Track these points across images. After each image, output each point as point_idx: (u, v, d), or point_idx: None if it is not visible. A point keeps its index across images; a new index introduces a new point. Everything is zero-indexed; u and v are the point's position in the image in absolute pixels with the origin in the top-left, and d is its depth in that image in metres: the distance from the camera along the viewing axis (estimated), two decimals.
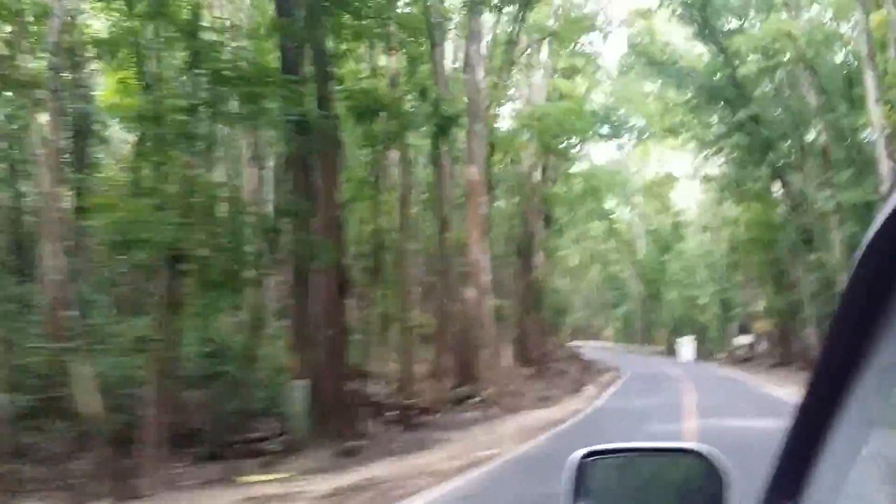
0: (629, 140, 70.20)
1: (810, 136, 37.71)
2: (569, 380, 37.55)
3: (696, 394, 25.78)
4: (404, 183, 27.28)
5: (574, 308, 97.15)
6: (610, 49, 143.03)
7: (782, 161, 39.09)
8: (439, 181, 25.85)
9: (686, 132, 59.50)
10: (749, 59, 36.30)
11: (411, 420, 21.50)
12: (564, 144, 44.16)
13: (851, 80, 34.34)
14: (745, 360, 53.04)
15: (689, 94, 43.04)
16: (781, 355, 49.23)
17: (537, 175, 39.09)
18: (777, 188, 44.72)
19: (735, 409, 20.65)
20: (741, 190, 48.02)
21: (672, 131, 63.33)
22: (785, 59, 35.16)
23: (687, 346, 69.59)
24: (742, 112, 37.09)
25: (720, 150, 45.43)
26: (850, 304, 1.08)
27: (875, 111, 28.36)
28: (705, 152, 61.73)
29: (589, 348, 77.66)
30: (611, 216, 79.87)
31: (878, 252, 0.98)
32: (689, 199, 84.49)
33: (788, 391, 24.93)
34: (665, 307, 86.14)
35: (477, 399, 24.93)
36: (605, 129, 54.91)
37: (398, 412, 21.85)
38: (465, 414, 23.54)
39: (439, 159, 25.29)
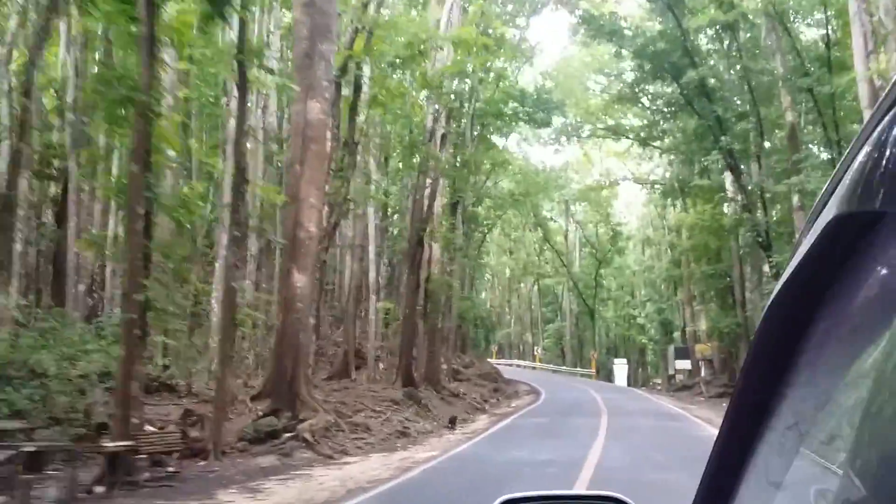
0: (566, 139, 62.79)
1: (773, 112, 30.44)
2: (458, 407, 29.71)
3: (612, 439, 17.93)
4: None
5: (504, 323, 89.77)
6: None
7: (736, 146, 31.75)
8: (241, 112, 17.59)
9: (628, 131, 52.94)
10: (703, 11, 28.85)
11: (164, 468, 13.43)
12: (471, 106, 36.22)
13: (829, 41, 27.12)
14: (684, 387, 45.61)
15: (635, 63, 35.57)
16: (725, 384, 41.95)
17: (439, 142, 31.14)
18: (729, 184, 37.56)
19: (661, 468, 12.86)
20: (687, 189, 40.79)
21: (614, 131, 56.64)
22: (748, 11, 27.81)
23: (621, 370, 62.13)
24: (692, 72, 29.60)
25: (664, 136, 38.04)
26: (759, 356, 1.11)
27: (864, 69, 21.12)
28: (648, 149, 55.31)
29: (513, 368, 69.97)
30: (545, 222, 72.61)
31: (788, 299, 1.00)
32: (631, 212, 77.96)
33: None
34: (600, 326, 79.00)
35: (289, 435, 16.87)
36: (536, 114, 47.25)
37: (159, 454, 13.74)
38: (258, 459, 15.47)
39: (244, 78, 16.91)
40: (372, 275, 32.89)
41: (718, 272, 39.77)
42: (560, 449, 15.98)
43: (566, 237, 77.16)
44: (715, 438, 1.21)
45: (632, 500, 2.13)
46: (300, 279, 19.01)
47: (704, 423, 23.04)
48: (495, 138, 55.24)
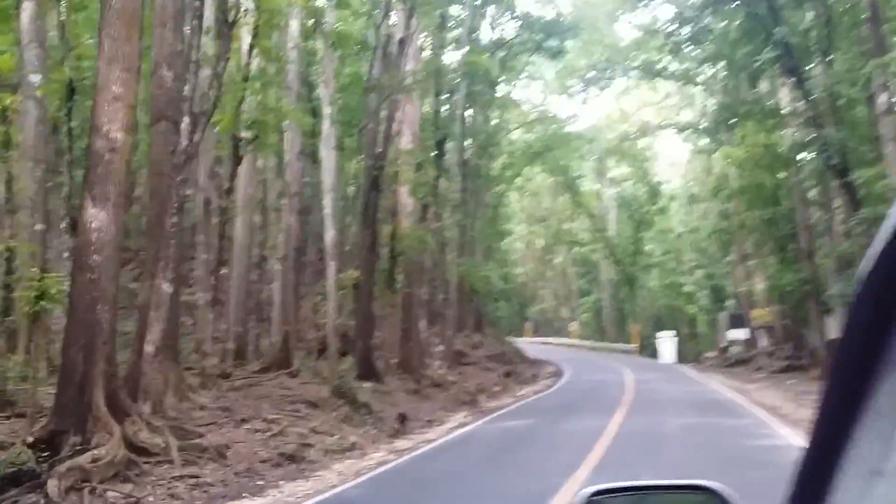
0: (596, 87, 54.69)
1: None
2: (435, 401, 22.54)
3: (605, 470, 10.18)
4: None
5: (538, 298, 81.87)
6: None
7: (794, 39, 23.65)
8: None
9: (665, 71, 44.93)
10: None
11: None
12: None
13: None
14: (740, 362, 37.52)
15: None
16: (790, 356, 33.88)
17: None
18: (786, 102, 29.37)
19: None
20: (735, 117, 32.63)
21: (650, 71, 48.49)
22: None
23: (667, 345, 53.79)
24: None
25: (702, 40, 29.96)
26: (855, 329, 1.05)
27: None
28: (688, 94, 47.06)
29: (548, 346, 62.19)
30: (574, 183, 64.46)
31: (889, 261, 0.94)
32: (675, 171, 69.47)
33: None
34: (643, 296, 70.70)
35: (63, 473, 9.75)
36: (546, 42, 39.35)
37: None
38: None
39: None
40: (330, 234, 25.45)
41: (777, 217, 31.52)
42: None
43: (600, 199, 68.91)
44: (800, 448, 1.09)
45: (725, 487, 2.02)
46: (97, 217, 11.66)
47: (773, 419, 15.31)
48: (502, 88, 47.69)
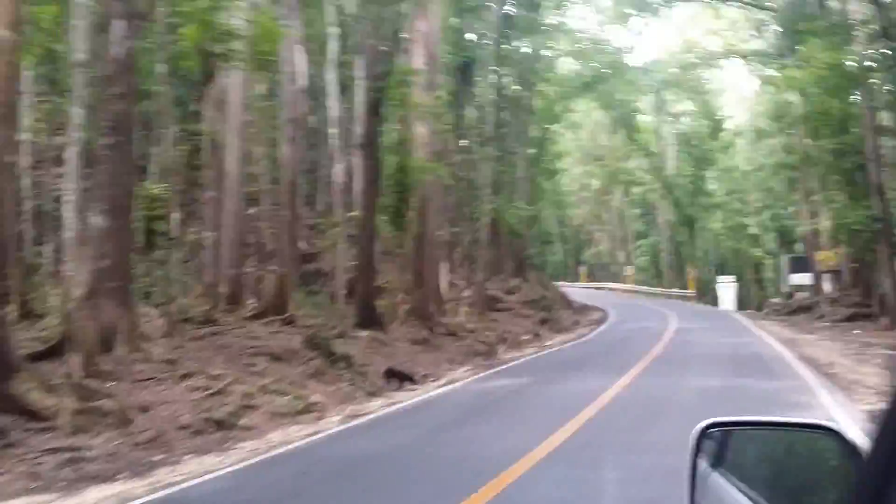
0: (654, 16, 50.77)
1: None
2: (447, 351, 20.42)
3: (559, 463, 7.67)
4: None
5: (595, 242, 78.72)
6: None
7: None
8: None
9: None
10: None
11: None
12: None
13: None
14: (801, 309, 34.31)
15: None
16: (857, 302, 30.65)
17: None
18: (857, 15, 25.77)
19: None
20: (800, 35, 29.04)
21: None
22: None
23: (727, 291, 50.38)
24: None
25: None
26: None
27: None
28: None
29: (600, 291, 59.38)
30: (630, 117, 60.69)
31: None
32: (742, 106, 64.93)
33: None
34: (705, 239, 66.95)
35: None
36: None
37: None
38: None
39: None
40: (337, 168, 23.26)
41: (844, 147, 28.04)
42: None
43: (658, 135, 65.01)
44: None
45: (845, 430, 1.97)
46: None
47: (818, 381, 12.58)
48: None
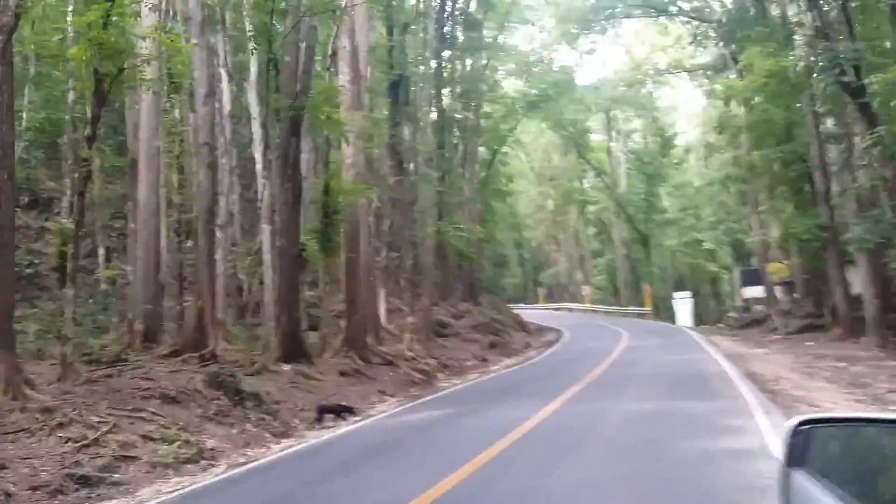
0: (598, 27, 50.19)
1: None
2: (380, 382, 19.20)
3: None
4: None
5: (552, 262, 77.88)
6: None
7: None
8: None
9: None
10: None
11: None
12: None
13: None
14: (755, 322, 33.64)
15: None
16: (810, 313, 30.03)
17: None
18: (793, 13, 25.27)
19: None
20: (741, 39, 28.59)
21: (649, 6, 44.56)
22: None
23: (683, 306, 49.64)
24: None
25: None
26: None
27: None
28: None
29: (558, 312, 58.51)
30: (580, 136, 60.21)
31: None
32: (691, 122, 64.78)
33: None
34: (660, 255, 66.44)
35: None
36: None
37: None
38: None
39: None
40: (265, 193, 21.97)
41: (789, 155, 27.47)
42: None
43: (609, 154, 64.57)
44: None
45: None
46: None
47: (760, 401, 11.58)
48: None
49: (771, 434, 8.68)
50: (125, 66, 14.97)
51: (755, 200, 34.96)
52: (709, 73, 45.30)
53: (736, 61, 31.17)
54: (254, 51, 20.98)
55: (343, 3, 20.84)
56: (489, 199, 50.22)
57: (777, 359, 20.29)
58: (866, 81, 17.39)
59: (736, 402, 11.70)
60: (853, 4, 19.51)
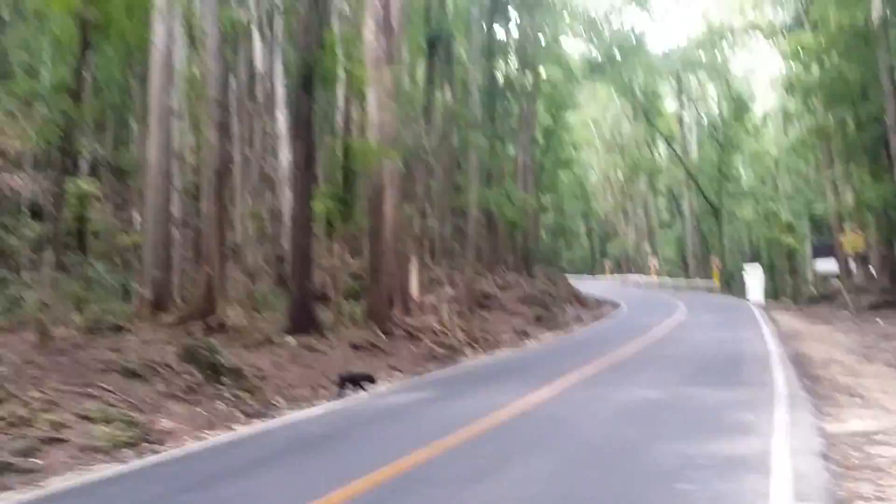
0: None
1: None
2: (398, 356, 17.87)
3: None
4: None
5: (620, 233, 75.40)
6: None
7: None
8: None
9: None
10: None
11: None
12: None
13: None
14: (824, 298, 31.18)
15: None
16: (888, 289, 27.58)
17: None
18: None
19: None
20: None
21: None
22: None
23: (755, 280, 46.82)
24: None
25: None
26: None
27: None
28: None
29: (624, 285, 56.47)
30: (650, 104, 57.57)
31: None
32: (772, 89, 61.25)
33: None
34: (736, 227, 63.53)
35: None
36: None
37: None
38: None
39: None
40: (284, 155, 20.84)
41: (863, 116, 24.97)
42: None
43: (681, 122, 61.70)
44: None
45: None
46: None
47: (792, 391, 9.82)
48: None
49: (783, 434, 7.02)
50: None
51: (829, 167, 32.32)
52: (785, 32, 42.35)
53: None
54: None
55: None
56: (551, 168, 48.37)
57: (838, 338, 18.25)
58: None
59: (762, 390, 9.95)
60: None
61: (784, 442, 6.79)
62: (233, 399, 12.23)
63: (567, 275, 53.14)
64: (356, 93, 20.23)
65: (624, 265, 71.02)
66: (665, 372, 12.40)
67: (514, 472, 6.08)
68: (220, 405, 11.92)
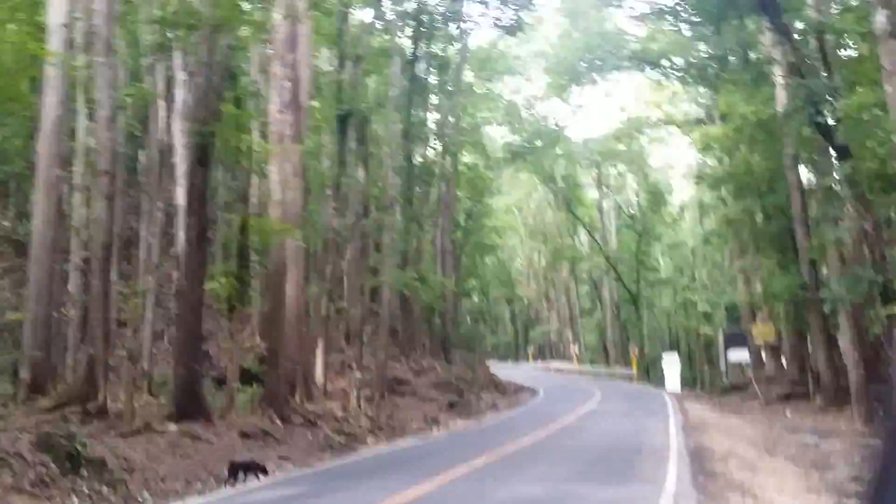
0: (586, 80, 48.31)
1: None
2: (296, 443, 16.94)
3: None
4: None
5: (542, 320, 75.54)
6: None
7: None
8: None
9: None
10: None
11: None
12: None
13: None
14: (735, 388, 31.19)
15: None
16: (795, 380, 27.68)
17: None
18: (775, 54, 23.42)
19: None
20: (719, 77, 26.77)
21: (638, 59, 42.74)
22: None
23: (672, 370, 46.93)
24: None
25: None
26: None
27: None
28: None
29: (545, 371, 56.12)
30: (568, 191, 58.38)
31: None
32: (687, 182, 62.75)
33: None
34: (654, 316, 64.09)
35: None
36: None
37: None
38: None
39: None
40: (181, 235, 19.91)
41: (769, 209, 25.37)
42: None
43: (600, 210, 62.65)
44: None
45: None
46: None
47: (681, 490, 9.29)
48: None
49: None
50: None
51: (740, 257, 32.77)
52: (701, 125, 43.56)
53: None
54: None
55: (273, 19, 19.10)
56: (472, 252, 48.29)
57: (745, 431, 17.96)
58: (834, 118, 15.36)
59: (651, 487, 9.41)
60: (828, 37, 17.52)
61: None
62: (90, 494, 11.17)
63: (491, 360, 52.66)
64: (258, 169, 19.63)
65: (547, 351, 70.90)
66: (558, 466, 11.79)
67: None
68: (75, 501, 10.86)
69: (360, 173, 26.89)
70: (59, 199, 18.59)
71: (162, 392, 18.75)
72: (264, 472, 12.77)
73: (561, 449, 14.22)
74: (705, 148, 28.93)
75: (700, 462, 12.02)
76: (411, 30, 33.05)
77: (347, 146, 24.76)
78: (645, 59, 42.41)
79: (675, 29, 34.26)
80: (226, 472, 12.50)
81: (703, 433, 16.67)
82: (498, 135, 50.53)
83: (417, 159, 35.48)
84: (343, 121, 24.18)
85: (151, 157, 22.46)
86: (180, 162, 20.65)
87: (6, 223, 25.84)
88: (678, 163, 62.71)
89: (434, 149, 38.57)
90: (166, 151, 21.62)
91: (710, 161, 32.69)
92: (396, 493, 9.17)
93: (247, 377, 20.81)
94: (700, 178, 31.15)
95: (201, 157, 17.23)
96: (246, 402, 19.17)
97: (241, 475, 12.45)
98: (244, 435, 16.88)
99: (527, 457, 13.05)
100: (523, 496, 8.91)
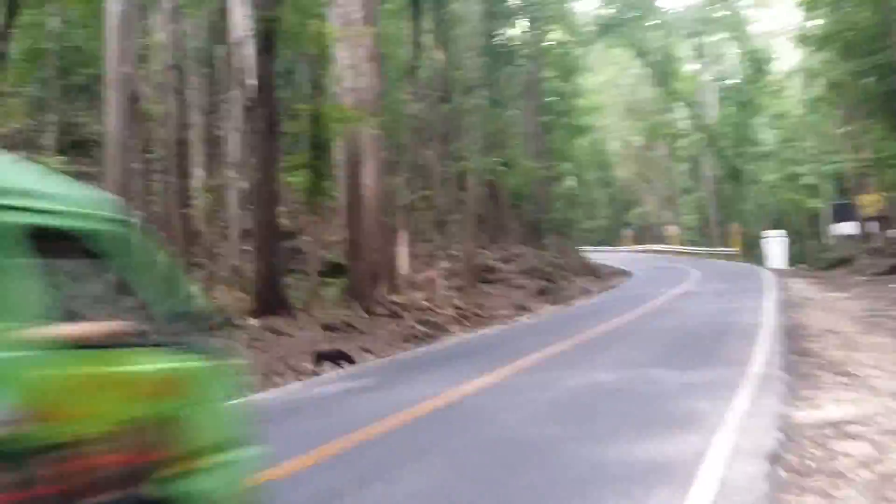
0: None
1: None
2: (382, 334, 16.81)
3: None
4: None
5: (640, 202, 73.54)
6: None
7: None
8: None
9: None
10: None
11: None
12: None
13: None
14: (841, 262, 29.65)
15: None
16: None
17: None
18: None
19: None
20: None
21: None
22: None
23: (775, 247, 45.30)
24: None
25: None
26: None
27: None
28: None
29: (644, 254, 54.89)
30: (664, 63, 55.68)
31: None
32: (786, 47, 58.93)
33: None
34: (753, 192, 61.53)
35: None
36: None
37: None
38: None
39: None
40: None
41: (879, 68, 23.34)
42: None
43: (699, 82, 59.72)
44: None
45: None
46: None
47: (768, 372, 8.63)
48: None
49: (732, 429, 5.85)
50: None
51: (846, 124, 30.65)
52: None
53: None
54: None
55: None
56: (564, 135, 46.79)
57: (847, 305, 16.94)
58: None
59: (735, 370, 8.76)
60: None
61: (730, 439, 5.62)
62: None
63: (586, 245, 51.78)
64: (327, 56, 19.03)
65: (646, 233, 69.27)
66: (638, 349, 11.23)
67: (378, 490, 4.95)
68: None
69: (442, 56, 25.92)
70: (131, 96, 18.46)
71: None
72: (350, 360, 12.74)
73: (645, 332, 13.65)
74: (811, 4, 26.61)
75: (794, 341, 11.24)
76: None
77: (423, 28, 23.80)
78: None
79: None
80: (311, 362, 12.57)
81: (801, 311, 15.77)
82: (589, 7, 48.24)
83: (502, 38, 34.08)
84: (416, 2, 23.18)
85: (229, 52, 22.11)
86: (248, 53, 20.25)
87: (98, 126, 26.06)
88: (783, 27, 59.06)
89: (519, 27, 36.97)
90: (237, 43, 21.20)
91: (816, 21, 30.23)
92: (466, 382, 8.81)
93: (333, 270, 20.74)
94: (804, 38, 28.81)
95: (266, 44, 16.73)
96: (332, 296, 19.12)
97: (325, 364, 12.48)
98: (327, 328, 16.85)
99: (607, 342, 12.53)
100: (594, 384, 8.40)
